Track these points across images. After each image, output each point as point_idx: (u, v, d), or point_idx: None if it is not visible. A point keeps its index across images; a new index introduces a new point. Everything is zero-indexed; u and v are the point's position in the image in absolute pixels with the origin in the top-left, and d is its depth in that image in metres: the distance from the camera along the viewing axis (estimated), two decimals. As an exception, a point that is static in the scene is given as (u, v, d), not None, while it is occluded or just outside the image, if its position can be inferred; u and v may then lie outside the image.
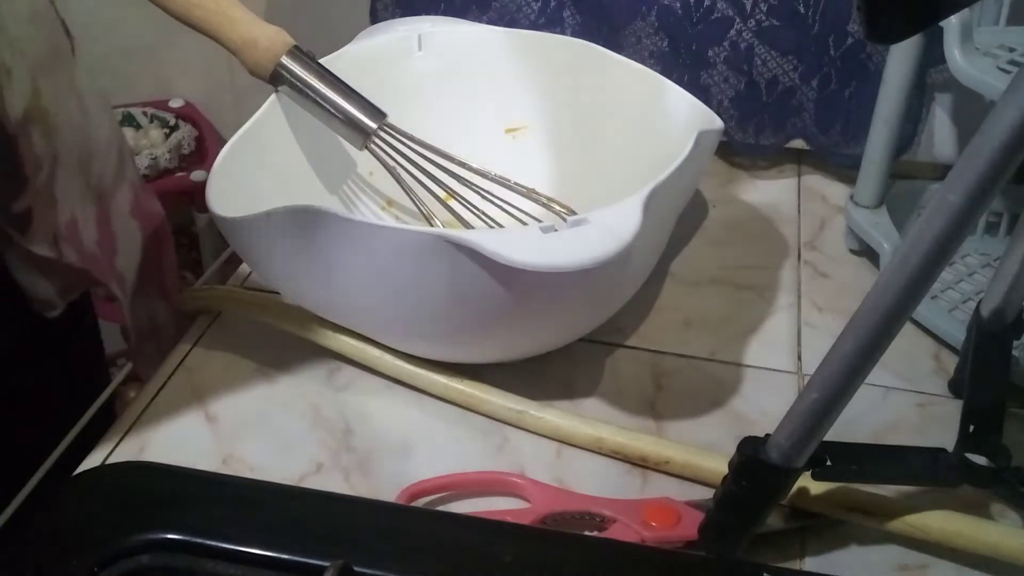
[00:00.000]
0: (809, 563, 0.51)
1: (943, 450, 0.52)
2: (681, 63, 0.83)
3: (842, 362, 0.42)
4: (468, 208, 0.71)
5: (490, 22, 0.85)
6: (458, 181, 0.70)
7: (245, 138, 0.64)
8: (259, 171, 0.66)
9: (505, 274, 0.51)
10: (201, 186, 0.60)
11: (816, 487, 0.51)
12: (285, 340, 0.65)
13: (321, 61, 0.67)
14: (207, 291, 0.69)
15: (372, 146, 0.67)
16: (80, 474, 0.52)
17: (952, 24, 0.58)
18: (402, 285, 0.54)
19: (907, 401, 0.62)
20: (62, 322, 0.66)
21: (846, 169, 0.82)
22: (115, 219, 0.67)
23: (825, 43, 0.79)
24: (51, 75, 0.58)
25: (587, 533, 0.52)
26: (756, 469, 0.46)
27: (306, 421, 0.60)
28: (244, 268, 0.73)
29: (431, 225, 0.69)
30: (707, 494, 0.51)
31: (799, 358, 0.65)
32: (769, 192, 0.83)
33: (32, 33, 0.56)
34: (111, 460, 0.57)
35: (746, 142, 0.85)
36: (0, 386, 0.65)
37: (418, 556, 0.42)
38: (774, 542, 0.52)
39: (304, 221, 0.52)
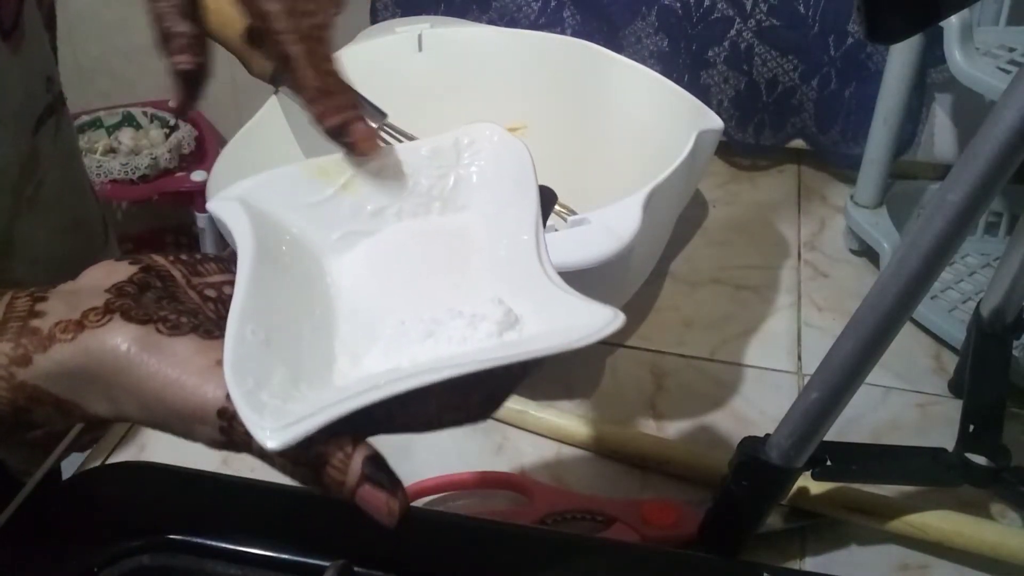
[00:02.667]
0: (809, 563, 0.51)
1: (943, 450, 0.52)
2: (681, 63, 0.83)
3: (842, 362, 0.42)
4: (468, 208, 0.71)
5: (490, 22, 0.85)
6: (458, 181, 0.70)
7: (245, 138, 0.64)
8: (259, 171, 0.65)
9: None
10: (201, 186, 0.60)
11: (816, 487, 0.51)
12: (285, 340, 0.65)
13: (321, 61, 0.67)
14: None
15: (372, 146, 0.67)
16: (80, 474, 0.52)
17: (952, 24, 0.58)
18: (402, 285, 0.54)
19: (907, 401, 0.62)
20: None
21: (846, 169, 0.82)
22: None
23: (825, 43, 0.79)
24: (32, 210, 0.55)
25: (587, 533, 0.52)
26: (756, 469, 0.46)
27: (306, 421, 0.60)
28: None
29: (431, 225, 0.69)
30: (707, 494, 0.51)
31: (799, 358, 0.65)
32: (769, 192, 0.83)
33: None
34: (111, 460, 0.57)
35: (746, 142, 0.85)
36: None
37: (418, 556, 0.42)
38: (774, 542, 0.51)
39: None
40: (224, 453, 0.60)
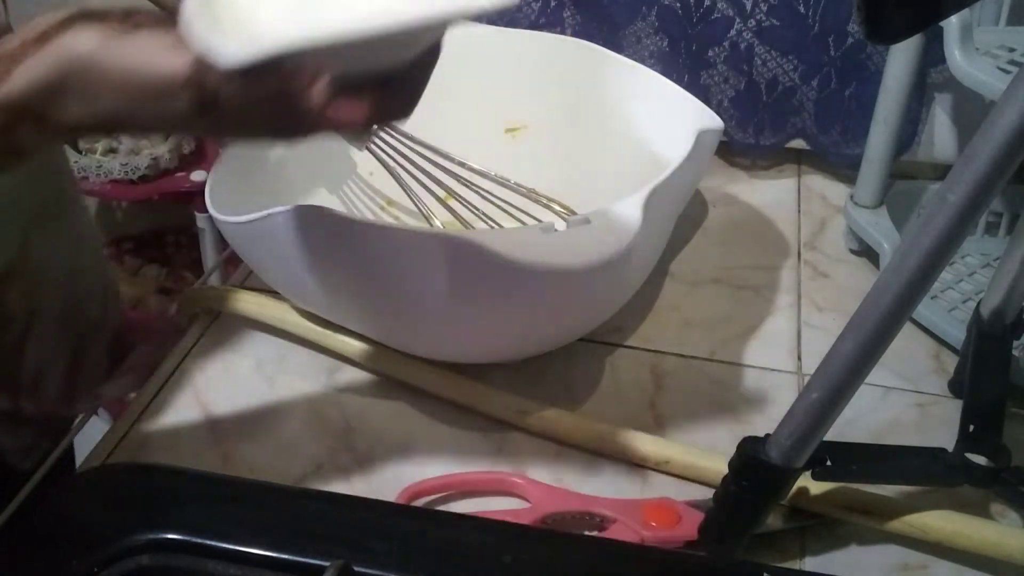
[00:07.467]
0: (809, 563, 0.51)
1: (943, 450, 0.52)
2: (681, 63, 0.83)
3: (842, 362, 0.42)
4: (468, 208, 0.71)
5: (490, 22, 0.85)
6: (458, 181, 0.70)
7: (245, 138, 0.64)
8: (259, 172, 0.66)
9: (505, 274, 0.51)
10: (201, 186, 0.60)
11: (816, 487, 0.51)
12: (285, 340, 0.65)
13: (321, 61, 0.67)
14: (207, 291, 0.69)
15: (372, 146, 0.67)
16: (80, 474, 0.52)
17: (952, 24, 0.58)
18: (402, 285, 0.54)
19: (907, 401, 0.62)
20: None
21: (846, 169, 0.82)
22: (87, 365, 0.66)
23: (825, 43, 0.79)
24: (43, 228, 0.57)
25: (587, 533, 0.52)
26: (756, 469, 0.46)
27: (306, 421, 0.60)
28: (244, 268, 0.73)
29: (431, 225, 0.69)
30: (707, 494, 0.51)
31: (799, 358, 0.65)
32: (769, 192, 0.83)
33: (24, 191, 0.56)
34: (111, 460, 0.57)
35: (746, 142, 0.85)
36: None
37: (418, 556, 0.42)
38: (774, 542, 0.52)
39: (304, 221, 0.52)
40: (224, 453, 0.60)
